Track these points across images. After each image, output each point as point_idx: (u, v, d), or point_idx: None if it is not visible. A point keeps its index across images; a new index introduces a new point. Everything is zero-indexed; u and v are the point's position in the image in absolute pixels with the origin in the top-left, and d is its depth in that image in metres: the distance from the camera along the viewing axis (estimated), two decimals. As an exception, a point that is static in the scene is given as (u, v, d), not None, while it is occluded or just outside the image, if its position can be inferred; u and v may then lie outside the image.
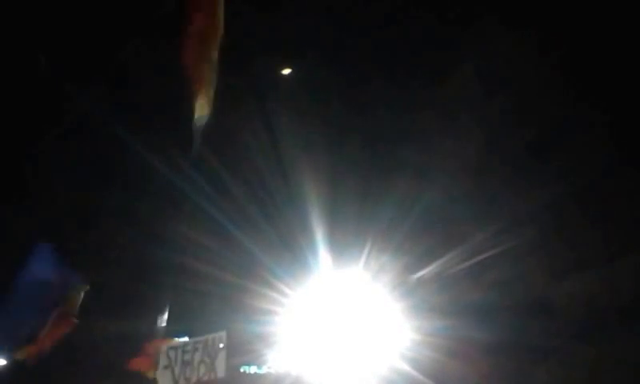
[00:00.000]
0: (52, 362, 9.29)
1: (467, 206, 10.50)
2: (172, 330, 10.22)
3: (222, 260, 10.77)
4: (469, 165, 10.44)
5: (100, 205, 11.06)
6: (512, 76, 10.26)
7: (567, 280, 10.11)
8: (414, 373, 10.14)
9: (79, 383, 9.83)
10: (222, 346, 5.95)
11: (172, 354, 6.14)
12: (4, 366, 8.98)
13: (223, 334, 5.88)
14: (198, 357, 6.06)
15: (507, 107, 10.48)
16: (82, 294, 7.69)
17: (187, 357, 6.09)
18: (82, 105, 9.96)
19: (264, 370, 11.33)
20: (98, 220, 10.91)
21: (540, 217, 10.23)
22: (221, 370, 5.82)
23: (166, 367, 6.00)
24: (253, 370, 11.36)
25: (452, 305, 10.31)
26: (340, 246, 10.96)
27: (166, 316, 10.23)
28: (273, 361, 11.28)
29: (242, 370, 12.39)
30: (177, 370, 6.07)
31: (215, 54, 5.98)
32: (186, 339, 6.60)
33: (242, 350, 10.00)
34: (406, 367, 10.23)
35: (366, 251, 10.86)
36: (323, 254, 10.72)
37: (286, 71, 10.88)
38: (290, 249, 10.99)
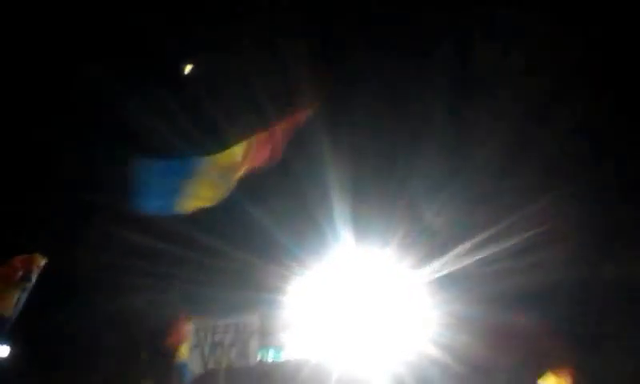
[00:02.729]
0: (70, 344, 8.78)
1: (508, 181, 9.91)
2: (186, 311, 9.55)
3: (234, 235, 10.15)
4: (510, 138, 9.81)
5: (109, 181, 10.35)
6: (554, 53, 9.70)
7: (618, 261, 9.61)
8: (448, 358, 9.58)
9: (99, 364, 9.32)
10: (254, 330, 5.31)
11: (202, 334, 5.48)
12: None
13: (255, 318, 5.20)
14: (229, 339, 5.38)
15: (552, 81, 9.89)
16: None
17: (218, 338, 5.41)
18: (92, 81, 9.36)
19: (282, 357, 10.68)
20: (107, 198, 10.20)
21: (587, 196, 9.73)
22: (253, 357, 5.18)
23: (195, 347, 5.35)
24: (270, 354, 10.70)
25: (491, 288, 9.74)
26: (365, 222, 10.33)
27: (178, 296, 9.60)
28: (291, 345, 10.64)
29: (258, 355, 11.70)
30: (206, 350, 5.41)
31: None
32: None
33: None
34: (438, 353, 9.66)
35: (393, 227, 10.23)
36: (346, 230, 10.08)
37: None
38: (311, 225, 10.31)
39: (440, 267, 10.29)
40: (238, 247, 9.64)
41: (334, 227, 10.05)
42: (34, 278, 5.76)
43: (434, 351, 9.75)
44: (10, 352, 8.86)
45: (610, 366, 9.30)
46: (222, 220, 9.51)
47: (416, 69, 10.43)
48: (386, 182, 10.42)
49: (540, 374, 9.64)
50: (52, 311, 8.82)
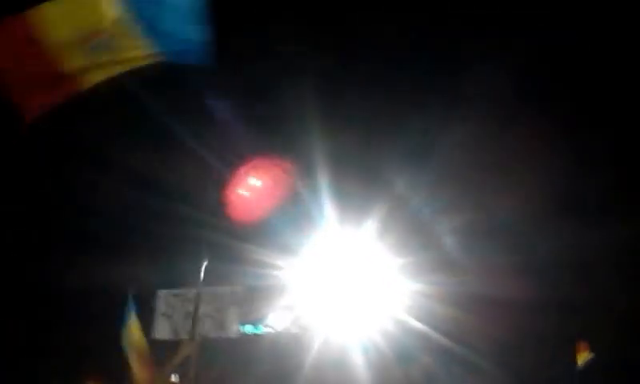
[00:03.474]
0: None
1: (492, 152, 9.87)
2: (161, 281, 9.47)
3: (214, 206, 10.04)
4: (491, 114, 9.74)
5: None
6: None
7: (593, 232, 9.61)
8: (427, 329, 9.59)
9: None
10: (234, 301, 5.07)
11: (173, 301, 5.25)
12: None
13: (239, 289, 4.91)
14: (203, 310, 5.13)
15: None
16: None
17: (190, 307, 5.19)
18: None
19: (262, 330, 10.62)
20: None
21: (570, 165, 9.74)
22: (233, 330, 4.91)
23: (163, 314, 5.10)
24: (249, 329, 10.63)
25: (471, 261, 9.73)
26: (346, 197, 10.25)
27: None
28: (271, 319, 10.59)
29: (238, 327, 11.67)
30: (177, 319, 5.17)
31: None
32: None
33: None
34: (417, 325, 9.67)
35: (374, 204, 10.18)
36: (328, 205, 10.01)
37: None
38: (294, 199, 10.22)
39: (421, 241, 10.26)
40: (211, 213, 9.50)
41: (317, 203, 9.99)
42: None
43: (413, 323, 9.76)
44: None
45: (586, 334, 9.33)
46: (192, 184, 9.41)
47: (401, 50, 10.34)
48: (368, 161, 10.37)
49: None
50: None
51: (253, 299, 9.19)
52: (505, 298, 9.82)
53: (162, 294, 4.91)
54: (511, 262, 9.98)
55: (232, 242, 9.67)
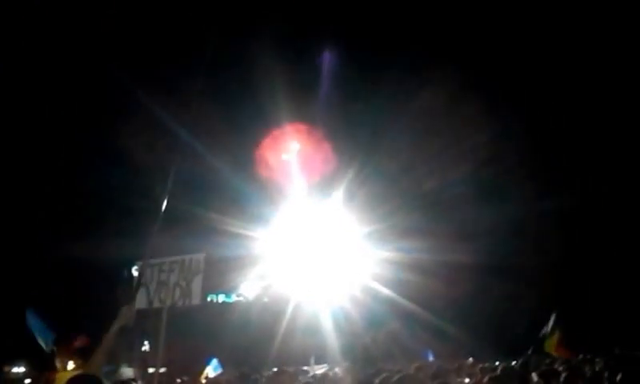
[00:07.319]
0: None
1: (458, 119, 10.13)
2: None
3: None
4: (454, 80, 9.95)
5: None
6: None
7: (549, 201, 9.96)
8: (394, 295, 9.85)
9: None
10: (199, 270, 5.21)
11: (149, 272, 5.38)
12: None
13: (201, 256, 5.04)
14: (173, 278, 5.28)
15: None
16: None
17: (163, 277, 5.32)
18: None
19: (233, 299, 10.78)
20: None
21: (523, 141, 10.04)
22: (196, 297, 5.06)
23: (143, 285, 5.24)
24: (220, 298, 10.78)
25: (433, 226, 9.98)
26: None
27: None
28: (242, 288, 10.75)
29: (208, 298, 11.87)
30: (152, 289, 5.32)
31: None
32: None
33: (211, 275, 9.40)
34: (384, 291, 9.92)
35: (342, 171, 10.33)
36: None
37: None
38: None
39: (387, 210, 10.46)
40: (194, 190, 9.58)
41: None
42: None
43: (381, 289, 10.00)
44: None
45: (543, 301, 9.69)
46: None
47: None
48: (336, 131, 10.49)
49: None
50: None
51: (220, 268, 9.29)
52: (467, 263, 10.13)
53: (139, 264, 5.04)
54: (472, 228, 10.26)
55: (203, 213, 9.76)
